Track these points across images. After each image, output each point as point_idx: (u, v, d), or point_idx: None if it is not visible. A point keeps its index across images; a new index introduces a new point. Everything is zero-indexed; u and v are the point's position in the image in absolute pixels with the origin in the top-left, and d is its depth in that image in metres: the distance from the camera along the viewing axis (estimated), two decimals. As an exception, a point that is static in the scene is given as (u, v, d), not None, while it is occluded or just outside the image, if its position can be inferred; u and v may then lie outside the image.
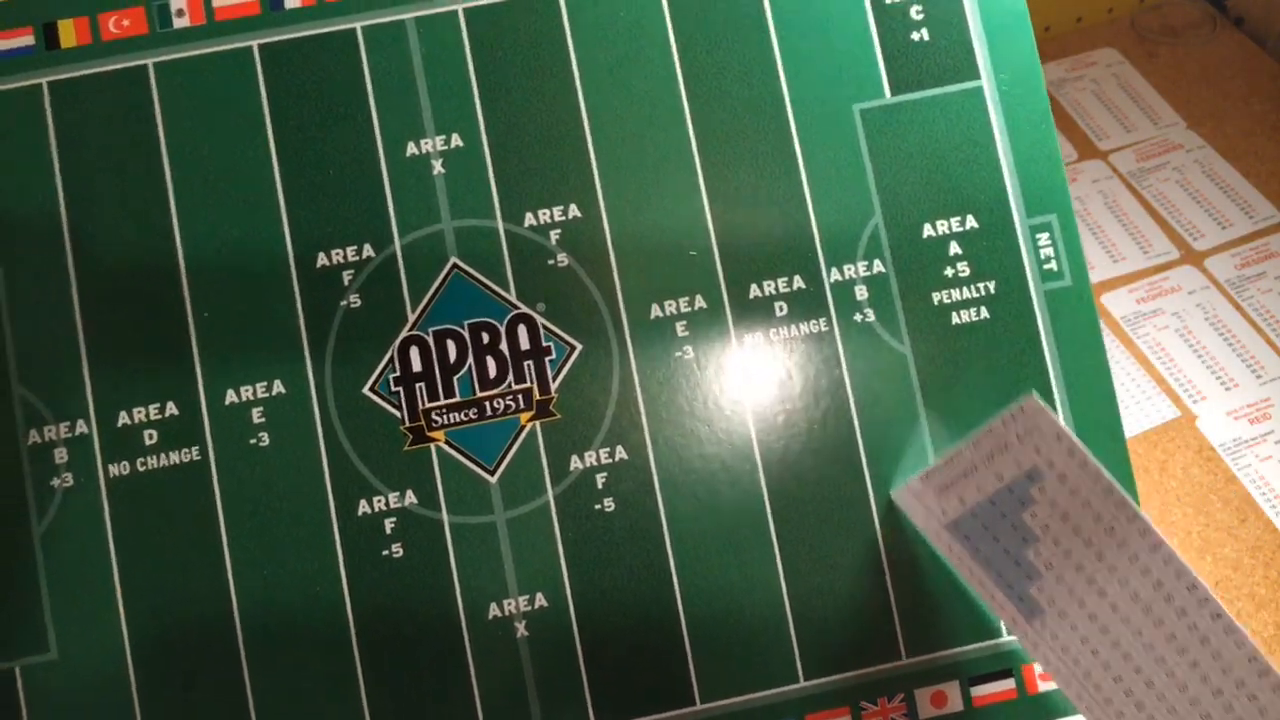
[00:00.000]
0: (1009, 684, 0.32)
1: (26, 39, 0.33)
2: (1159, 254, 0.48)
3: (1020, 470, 0.27)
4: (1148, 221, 0.50)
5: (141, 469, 0.31)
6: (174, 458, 0.31)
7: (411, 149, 0.33)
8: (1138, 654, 0.27)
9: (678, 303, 0.33)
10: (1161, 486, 0.43)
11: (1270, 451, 0.42)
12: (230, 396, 0.32)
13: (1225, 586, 0.40)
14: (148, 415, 0.32)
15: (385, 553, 0.31)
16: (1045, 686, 0.32)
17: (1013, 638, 0.32)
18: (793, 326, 0.33)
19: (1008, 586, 0.29)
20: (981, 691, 0.32)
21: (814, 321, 0.33)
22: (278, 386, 0.32)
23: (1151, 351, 0.45)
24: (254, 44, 0.33)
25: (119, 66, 0.33)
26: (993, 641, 0.32)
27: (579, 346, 0.33)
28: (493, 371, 0.32)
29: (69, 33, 0.34)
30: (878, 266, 0.33)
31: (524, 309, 0.33)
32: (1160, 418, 0.44)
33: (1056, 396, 0.33)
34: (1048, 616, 0.29)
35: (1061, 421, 0.26)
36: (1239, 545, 0.41)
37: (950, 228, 0.33)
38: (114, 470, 0.31)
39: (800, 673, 0.32)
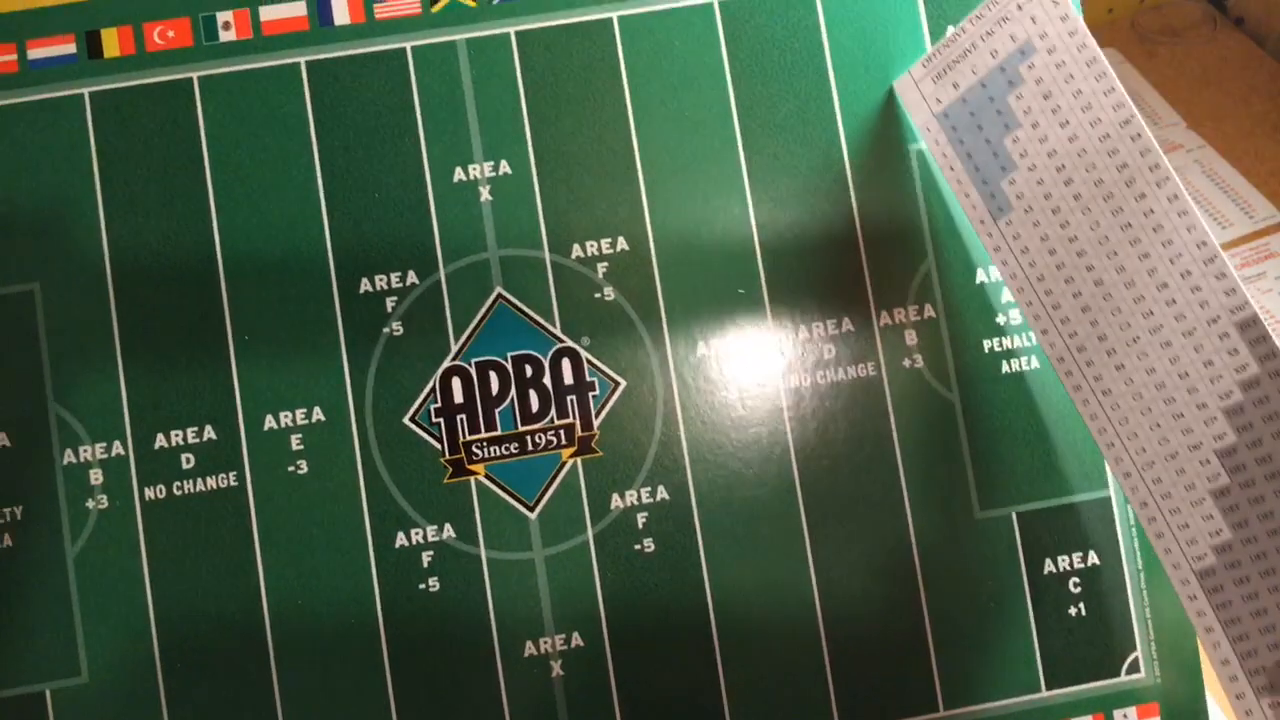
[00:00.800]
0: (1045, 739, 0.32)
1: (68, 47, 0.33)
2: None
3: (1014, 45, 0.28)
4: None
5: (178, 493, 0.31)
6: (211, 483, 0.31)
7: (459, 174, 0.33)
8: (1092, 250, 0.27)
9: (725, 341, 0.32)
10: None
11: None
12: (269, 422, 0.31)
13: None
14: (185, 439, 0.31)
15: (422, 586, 0.31)
16: (1081, 742, 0.32)
17: (1051, 693, 0.32)
18: (840, 369, 0.32)
19: (982, 182, 0.30)
20: (1017, 746, 0.32)
21: (862, 365, 0.32)
22: (317, 413, 0.32)
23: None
24: (301, 60, 0.33)
25: (163, 79, 0.33)
26: (1031, 696, 0.32)
27: (623, 383, 0.32)
28: (535, 405, 0.32)
29: (112, 42, 0.33)
30: (929, 311, 0.33)
31: (568, 342, 0.32)
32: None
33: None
34: (1014, 214, 0.29)
35: None
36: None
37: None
38: (150, 493, 0.31)
39: (836, 718, 0.31)
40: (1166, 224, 0.26)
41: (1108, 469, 0.31)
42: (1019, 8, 0.27)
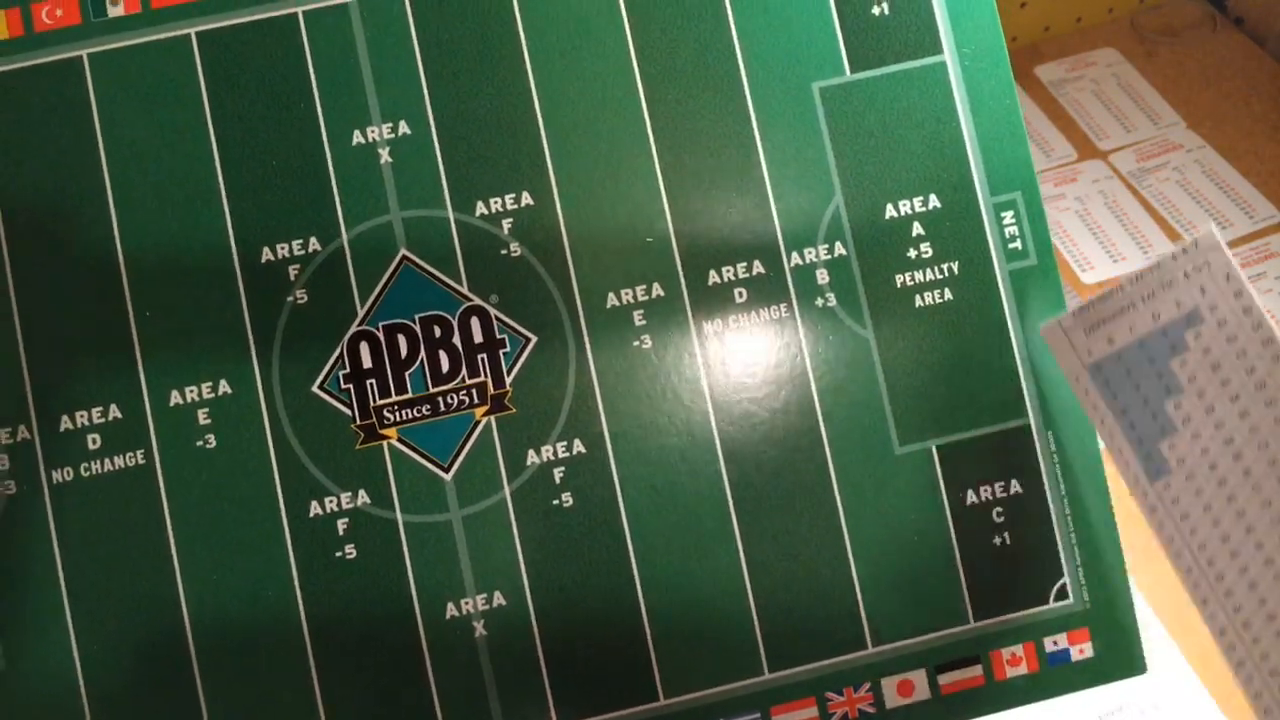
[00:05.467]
0: (977, 670, 0.32)
1: (-44, 31, 0.32)
2: (1159, 254, 0.48)
3: (1179, 311, 0.26)
4: (1148, 221, 0.49)
5: (86, 474, 0.31)
6: (119, 462, 0.31)
7: (357, 137, 0.32)
8: (1262, 528, 0.26)
9: (634, 291, 0.32)
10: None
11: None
12: (175, 398, 0.31)
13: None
14: (91, 419, 0.31)
15: (338, 554, 0.31)
16: (1013, 672, 0.32)
17: (979, 624, 0.32)
18: (753, 313, 0.32)
19: (1138, 441, 0.28)
20: (949, 679, 0.32)
21: (774, 307, 0.32)
22: (224, 386, 0.31)
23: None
24: (192, 31, 0.32)
25: (52, 59, 0.32)
26: (959, 628, 0.32)
27: (534, 338, 0.32)
28: (445, 366, 0.32)
29: (0, 24, 0.32)
30: (839, 249, 0.32)
31: (476, 301, 0.32)
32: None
33: (1023, 378, 0.32)
34: (1173, 478, 0.28)
35: (1234, 263, 0.25)
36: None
37: (913, 208, 0.33)
38: (58, 476, 0.31)
39: (765, 665, 0.31)
40: None
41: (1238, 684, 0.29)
42: (1185, 276, 0.26)
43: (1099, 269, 0.48)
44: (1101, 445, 0.31)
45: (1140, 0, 0.59)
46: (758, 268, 0.32)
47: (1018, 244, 0.32)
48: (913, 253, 0.32)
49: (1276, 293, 0.46)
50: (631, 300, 0.32)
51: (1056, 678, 0.32)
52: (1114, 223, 0.49)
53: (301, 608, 0.31)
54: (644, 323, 0.32)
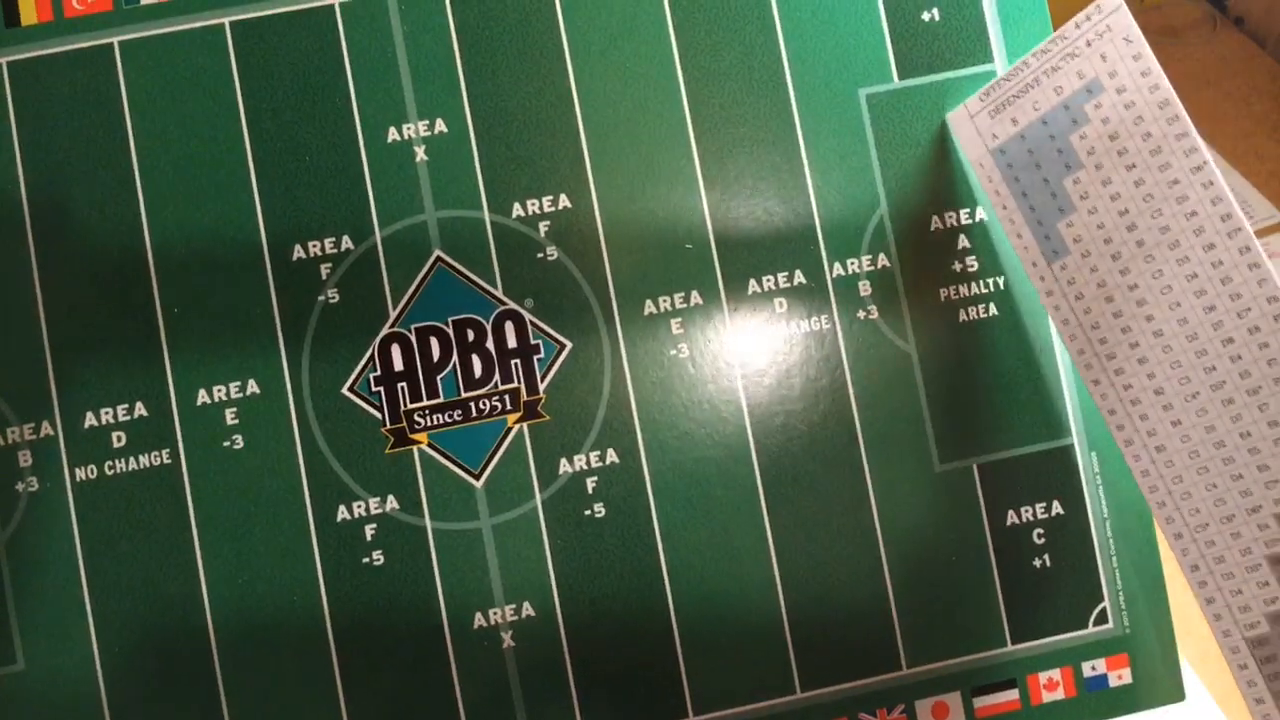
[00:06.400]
0: (1013, 694, 0.31)
1: (-15, 15, 0.31)
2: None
3: (1081, 82, 0.26)
4: None
5: (110, 472, 0.30)
6: (143, 461, 0.30)
7: (393, 134, 0.31)
8: (1153, 299, 0.26)
9: (672, 298, 0.31)
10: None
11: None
12: (202, 397, 0.30)
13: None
14: (115, 416, 0.30)
15: (365, 560, 0.30)
16: (1050, 697, 0.31)
17: (1016, 647, 0.31)
18: (793, 324, 0.31)
19: (1036, 223, 0.28)
20: (984, 703, 0.31)
21: (815, 319, 0.31)
22: (252, 386, 0.30)
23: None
24: (226, 21, 0.32)
25: (83, 45, 0.31)
26: (996, 651, 0.31)
27: (569, 344, 0.31)
28: (478, 371, 0.31)
29: (30, 9, 0.32)
30: (882, 261, 0.32)
31: (511, 305, 0.31)
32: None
33: (1067, 397, 0.31)
34: (1069, 259, 0.28)
35: (1134, 24, 0.25)
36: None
37: (959, 220, 0.32)
38: (81, 474, 0.30)
39: (797, 684, 0.31)
40: (1236, 276, 0.25)
41: (1157, 527, 0.29)
42: (1088, 44, 0.26)
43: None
44: (1003, 231, 0.31)
45: (1140, 0, 0.58)
46: (799, 277, 0.32)
47: (1065, 260, 0.32)
48: (958, 266, 0.32)
49: None
50: (669, 308, 0.31)
51: (1094, 703, 0.31)
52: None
53: (327, 613, 0.30)
54: (681, 331, 0.31)
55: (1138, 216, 0.26)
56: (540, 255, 0.31)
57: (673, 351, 0.31)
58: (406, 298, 0.31)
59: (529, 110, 0.32)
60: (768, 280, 0.31)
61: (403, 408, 0.31)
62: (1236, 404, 0.25)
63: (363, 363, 0.31)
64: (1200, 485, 0.26)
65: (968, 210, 0.32)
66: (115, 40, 0.31)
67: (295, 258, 0.31)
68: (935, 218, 0.32)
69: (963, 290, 0.32)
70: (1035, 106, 0.27)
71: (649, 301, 0.31)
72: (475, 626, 0.30)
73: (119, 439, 0.30)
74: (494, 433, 0.31)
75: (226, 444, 0.30)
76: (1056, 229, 0.28)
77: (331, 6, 0.32)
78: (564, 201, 0.31)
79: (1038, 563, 0.31)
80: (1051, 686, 0.31)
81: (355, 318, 0.31)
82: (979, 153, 0.29)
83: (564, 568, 0.30)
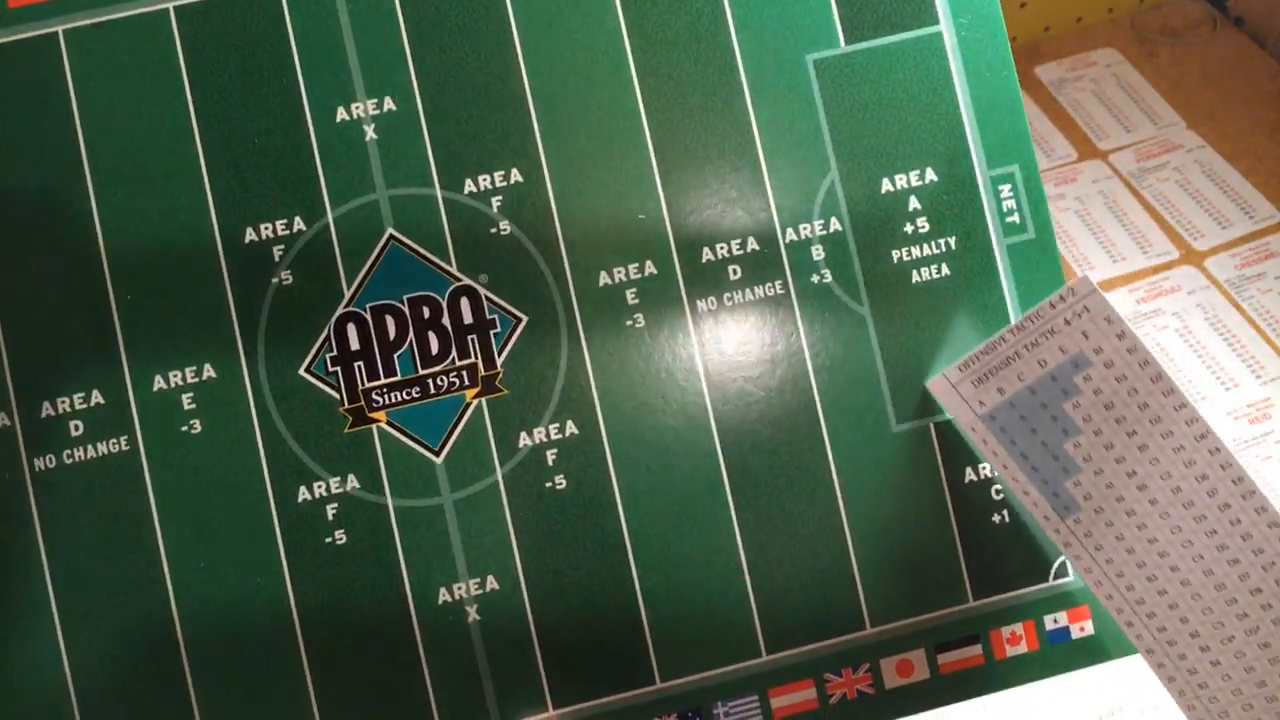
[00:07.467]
0: (976, 650, 0.31)
1: (-74, 7, 0.31)
2: (1159, 254, 0.48)
3: (1065, 356, 0.27)
4: (1148, 221, 0.49)
5: (69, 461, 0.30)
6: (102, 449, 0.30)
7: (341, 114, 0.31)
8: (1175, 552, 0.27)
9: (627, 269, 0.31)
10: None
11: (1270, 451, 0.41)
12: (159, 383, 0.30)
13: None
14: (73, 405, 0.30)
15: (328, 540, 0.30)
16: (1013, 651, 0.32)
17: (978, 603, 0.31)
18: (747, 290, 0.32)
19: (1042, 482, 0.29)
20: (949, 658, 0.31)
21: (769, 284, 0.32)
22: (208, 370, 0.30)
23: (1152, 351, 0.45)
24: (170, 6, 0.31)
25: (28, 35, 0.31)
26: (959, 607, 0.31)
27: (524, 318, 0.31)
28: (435, 347, 0.31)
29: (-29, 0, 0.31)
30: (834, 225, 0.32)
31: (466, 281, 0.31)
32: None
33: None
34: (1083, 514, 0.28)
35: (1111, 305, 0.26)
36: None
37: (909, 182, 0.32)
38: (39, 464, 0.30)
39: (762, 647, 0.31)
40: (1255, 534, 0.26)
41: None
42: (1066, 322, 0.27)
43: (1100, 269, 0.48)
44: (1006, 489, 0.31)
45: (1140, 0, 0.58)
46: (752, 244, 0.32)
47: (1015, 218, 0.32)
48: (909, 228, 0.32)
49: (1276, 292, 0.46)
50: (624, 279, 0.31)
51: (1057, 656, 0.31)
52: (1114, 223, 0.49)
53: (291, 594, 0.30)
54: (637, 301, 0.31)
55: (1146, 478, 0.27)
56: (493, 230, 0.31)
57: (628, 322, 0.31)
58: (361, 277, 0.31)
59: (477, 86, 0.32)
60: (721, 248, 0.32)
61: (360, 387, 0.31)
62: (1273, 647, 0.27)
63: (319, 343, 0.31)
64: None
65: (917, 172, 0.32)
66: (60, 29, 0.31)
67: (247, 240, 0.31)
68: (885, 180, 0.32)
69: (915, 251, 0.32)
70: (1020, 377, 0.28)
71: (603, 273, 0.31)
72: (440, 602, 0.30)
73: (77, 428, 0.30)
74: (452, 408, 0.31)
75: (185, 429, 0.30)
76: (1064, 488, 0.28)
77: (276, -12, 0.32)
78: (515, 176, 0.31)
79: (997, 518, 0.31)
80: (1014, 640, 0.31)
81: (310, 299, 0.31)
82: (969, 419, 0.30)
83: (527, 540, 0.31)
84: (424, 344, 0.31)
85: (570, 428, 0.31)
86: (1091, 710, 0.36)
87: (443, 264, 0.31)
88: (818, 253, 0.32)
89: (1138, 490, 0.27)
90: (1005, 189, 0.32)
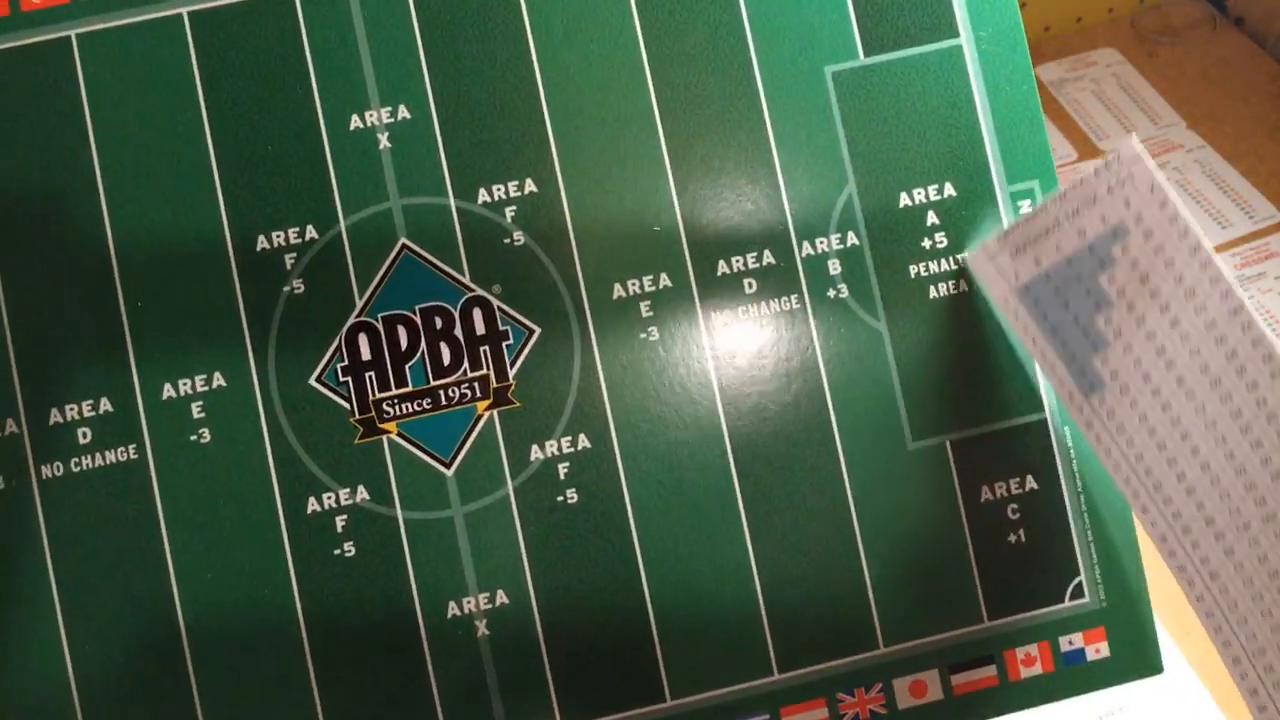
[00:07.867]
0: (990, 671, 0.31)
1: (-61, 10, 0.31)
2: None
3: (1105, 226, 0.26)
4: None
5: (76, 469, 0.30)
6: (110, 457, 0.30)
7: (355, 122, 0.31)
8: (1197, 434, 0.26)
9: (641, 282, 0.31)
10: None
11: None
12: (168, 391, 0.30)
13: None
14: (81, 412, 0.30)
15: (337, 552, 0.30)
16: (1028, 672, 0.31)
17: (993, 623, 0.31)
18: (763, 304, 0.31)
19: (1070, 358, 0.28)
20: (962, 679, 0.31)
21: (785, 299, 0.31)
22: (218, 379, 0.30)
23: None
24: (184, 11, 0.31)
25: (40, 39, 0.31)
26: (973, 627, 0.31)
27: (538, 330, 0.31)
28: (447, 358, 0.31)
29: (-16, 2, 0.31)
30: (851, 239, 0.31)
31: (479, 291, 0.31)
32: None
33: (1039, 372, 0.31)
34: (1108, 391, 0.27)
35: (1158, 173, 0.25)
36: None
37: (928, 196, 0.32)
38: (47, 472, 0.30)
39: (774, 665, 0.31)
40: None
41: (1209, 638, 0.29)
42: (1109, 190, 0.26)
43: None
44: (1037, 368, 0.30)
45: (1140, 0, 0.58)
46: (768, 258, 0.31)
47: (1035, 234, 0.32)
48: (927, 242, 0.32)
49: (1276, 292, 0.46)
50: (638, 291, 0.31)
51: (1072, 678, 0.31)
52: (1114, 224, 0.49)
53: (299, 606, 0.30)
54: (651, 314, 0.31)
55: (1176, 355, 0.26)
56: (507, 241, 0.31)
57: (642, 335, 0.31)
58: (373, 286, 0.31)
59: (493, 95, 0.31)
60: (737, 261, 0.31)
61: (371, 397, 0.30)
62: None
63: (330, 353, 0.30)
64: (1256, 612, 0.26)
65: (936, 186, 0.32)
66: (73, 33, 0.31)
67: (259, 248, 0.31)
68: (904, 194, 0.32)
69: (933, 267, 0.31)
70: (1058, 248, 0.27)
71: (618, 285, 0.31)
72: (449, 616, 0.30)
73: (85, 435, 0.30)
74: (464, 420, 0.31)
75: (193, 438, 0.30)
76: (1092, 364, 0.28)
77: (291, -6, 0.31)
78: (530, 186, 0.31)
79: (1013, 538, 0.31)
80: (1029, 662, 0.31)
81: (321, 308, 0.31)
82: (1003, 292, 0.29)
83: (537, 554, 0.30)
84: (436, 355, 0.31)
85: (582, 441, 0.31)
86: (1091, 710, 0.36)
87: (456, 274, 0.31)
88: (834, 267, 0.31)
89: (1165, 368, 0.26)
90: (1025, 204, 0.32)
